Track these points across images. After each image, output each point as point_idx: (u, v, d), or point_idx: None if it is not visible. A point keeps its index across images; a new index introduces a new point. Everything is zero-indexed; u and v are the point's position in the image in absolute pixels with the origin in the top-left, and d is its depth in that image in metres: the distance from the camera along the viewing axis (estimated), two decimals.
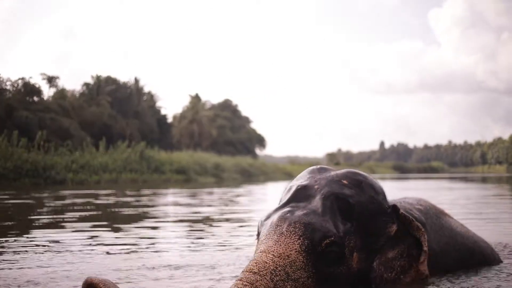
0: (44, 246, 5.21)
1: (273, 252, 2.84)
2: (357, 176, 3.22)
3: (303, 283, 2.80)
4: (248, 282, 2.70)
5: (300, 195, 3.14)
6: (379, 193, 3.21)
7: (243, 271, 2.79)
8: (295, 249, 2.83)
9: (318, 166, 3.41)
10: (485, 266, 3.78)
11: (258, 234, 3.11)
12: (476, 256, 3.77)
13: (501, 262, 3.97)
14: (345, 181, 3.15)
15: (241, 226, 7.29)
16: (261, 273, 2.75)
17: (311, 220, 2.92)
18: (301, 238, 2.85)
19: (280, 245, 2.86)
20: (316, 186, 3.14)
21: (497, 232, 6.07)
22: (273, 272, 2.76)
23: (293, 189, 3.20)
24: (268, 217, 3.10)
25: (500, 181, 32.95)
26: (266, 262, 2.79)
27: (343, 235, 2.93)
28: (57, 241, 5.54)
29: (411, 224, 3.17)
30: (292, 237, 2.87)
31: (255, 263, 2.80)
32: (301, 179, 3.31)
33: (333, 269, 2.89)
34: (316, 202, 3.04)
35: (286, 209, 3.05)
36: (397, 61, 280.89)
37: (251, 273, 2.75)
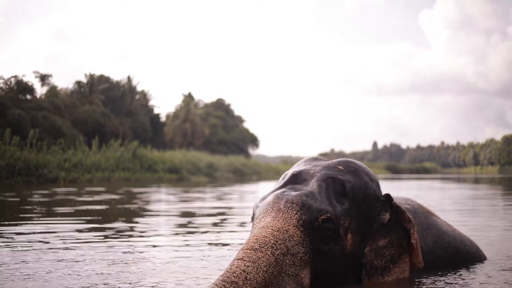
0: (31, 243, 5.21)
1: (272, 227, 2.89)
2: (352, 163, 3.32)
3: (301, 258, 2.85)
4: (250, 261, 2.75)
5: (296, 179, 3.22)
6: (374, 181, 3.29)
7: (243, 249, 2.82)
8: (293, 223, 2.89)
9: (313, 156, 3.50)
10: (471, 264, 3.83)
11: (253, 217, 3.15)
12: (462, 254, 3.82)
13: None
14: (340, 167, 3.24)
15: (224, 220, 7.31)
16: (262, 249, 2.79)
17: (308, 197, 3.00)
18: (299, 213, 2.92)
19: (279, 220, 2.91)
20: (311, 171, 3.23)
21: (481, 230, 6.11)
22: (273, 246, 2.80)
23: (289, 174, 3.30)
24: (263, 199, 3.16)
25: (492, 182, 33.07)
26: (266, 237, 2.84)
27: (338, 214, 2.99)
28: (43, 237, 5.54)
29: (403, 215, 3.22)
30: (289, 212, 2.93)
31: (256, 239, 2.84)
32: (296, 167, 3.40)
33: (328, 247, 2.95)
34: (312, 184, 3.11)
35: (282, 189, 3.13)
36: (388, 63, 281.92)
37: (252, 251, 2.79)
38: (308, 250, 2.88)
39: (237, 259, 2.77)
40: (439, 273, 3.51)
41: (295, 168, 3.36)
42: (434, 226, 3.70)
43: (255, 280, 2.69)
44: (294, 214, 2.92)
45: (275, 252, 2.79)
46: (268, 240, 2.83)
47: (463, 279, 3.40)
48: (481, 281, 3.37)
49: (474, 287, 3.21)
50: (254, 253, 2.78)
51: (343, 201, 3.07)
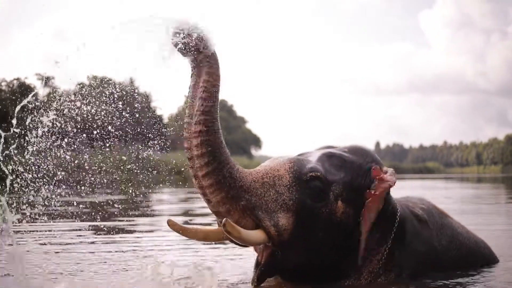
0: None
1: (265, 166, 3.18)
2: (359, 147, 3.45)
3: (283, 200, 3.04)
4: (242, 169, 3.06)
5: (301, 155, 3.41)
6: (377, 162, 3.35)
7: None
8: (285, 168, 3.12)
9: (327, 145, 3.62)
10: (484, 266, 3.81)
11: None
12: (476, 256, 3.80)
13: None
14: (345, 149, 3.41)
15: None
16: (255, 171, 3.09)
17: (304, 159, 3.24)
18: (292, 163, 3.15)
19: (273, 163, 3.19)
20: (317, 151, 3.41)
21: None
22: (264, 174, 3.08)
23: (298, 154, 3.47)
24: None
25: (495, 181, 33.00)
26: (260, 169, 3.14)
27: (330, 180, 3.15)
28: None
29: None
30: (284, 161, 3.18)
31: (251, 170, 3.13)
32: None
33: (316, 205, 3.08)
34: (313, 157, 3.31)
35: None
36: (388, 63, 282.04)
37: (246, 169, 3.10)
38: (293, 198, 3.05)
39: None
40: (452, 273, 3.49)
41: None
42: (449, 227, 3.69)
43: (245, 175, 3.01)
44: (287, 163, 3.15)
45: (264, 178, 3.06)
46: (260, 170, 3.11)
47: (477, 281, 3.38)
48: (494, 282, 3.35)
49: None
50: (247, 170, 3.09)
51: (338, 172, 3.20)
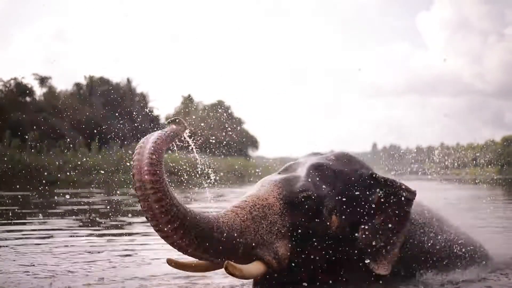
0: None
1: (253, 195, 3.07)
2: (346, 154, 3.40)
3: (278, 228, 2.98)
4: (229, 211, 2.94)
5: (287, 169, 3.38)
6: (366, 168, 3.34)
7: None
8: (273, 195, 3.05)
9: (315, 152, 3.59)
10: (481, 267, 3.80)
11: None
12: (473, 258, 3.79)
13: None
14: (332, 157, 3.36)
15: None
16: (241, 206, 2.98)
17: (291, 179, 3.16)
18: (280, 188, 3.09)
19: (261, 191, 3.09)
20: (304, 162, 3.37)
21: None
22: (252, 207, 2.97)
23: (285, 166, 3.45)
24: None
25: (491, 183, 32.97)
26: (246, 201, 3.03)
27: (322, 195, 3.09)
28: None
29: (394, 184, 3.25)
30: (272, 187, 3.10)
31: (236, 204, 3.04)
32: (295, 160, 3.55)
33: (310, 224, 3.04)
34: (301, 170, 3.26)
35: (270, 176, 3.32)
36: (385, 64, 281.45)
37: (233, 207, 2.99)
38: (287, 224, 3.00)
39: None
40: (447, 274, 3.50)
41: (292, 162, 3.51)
42: (444, 228, 3.69)
43: (232, 220, 2.91)
44: (275, 189, 3.08)
45: (253, 212, 2.96)
46: (247, 203, 3.01)
47: (471, 280, 3.40)
48: (488, 282, 3.37)
49: None
50: (235, 208, 3.00)
51: (329, 185, 3.15)
